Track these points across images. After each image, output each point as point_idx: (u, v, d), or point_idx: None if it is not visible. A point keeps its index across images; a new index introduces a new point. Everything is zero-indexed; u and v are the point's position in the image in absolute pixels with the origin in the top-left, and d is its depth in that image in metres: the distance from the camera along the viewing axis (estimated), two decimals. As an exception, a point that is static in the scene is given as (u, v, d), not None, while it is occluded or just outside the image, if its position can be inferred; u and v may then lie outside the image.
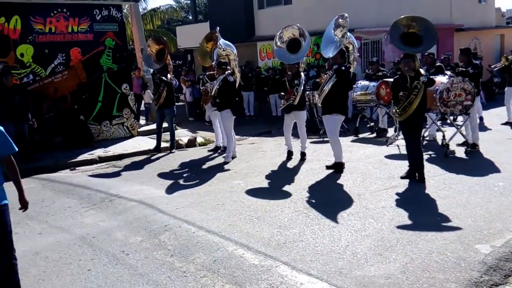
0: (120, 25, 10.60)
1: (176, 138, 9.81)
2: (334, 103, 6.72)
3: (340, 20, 6.67)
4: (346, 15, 6.62)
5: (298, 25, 7.53)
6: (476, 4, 19.96)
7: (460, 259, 3.76)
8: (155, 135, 9.62)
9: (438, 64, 9.60)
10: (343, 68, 6.66)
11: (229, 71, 8.02)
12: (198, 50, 10.13)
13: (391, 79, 9.95)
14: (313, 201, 5.58)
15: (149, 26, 23.50)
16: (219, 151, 9.04)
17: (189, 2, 32.39)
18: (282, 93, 7.51)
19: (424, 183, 5.92)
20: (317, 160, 7.68)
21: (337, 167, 6.86)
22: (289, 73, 7.51)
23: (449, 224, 4.55)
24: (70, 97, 9.92)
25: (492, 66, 11.27)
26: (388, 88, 9.33)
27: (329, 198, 5.67)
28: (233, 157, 8.26)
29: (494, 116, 11.23)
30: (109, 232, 4.80)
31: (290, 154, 7.94)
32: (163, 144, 9.38)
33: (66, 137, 9.78)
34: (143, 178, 7.20)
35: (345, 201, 5.41)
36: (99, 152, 9.16)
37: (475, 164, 6.95)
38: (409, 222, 4.65)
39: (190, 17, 33.09)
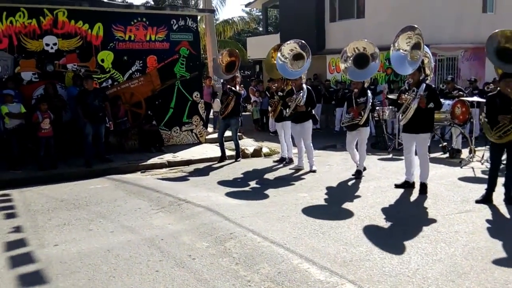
0: (194, 35, 10.98)
1: (242, 148, 9.94)
2: (423, 121, 6.36)
3: (408, 32, 6.40)
4: (416, 26, 6.37)
5: (366, 40, 7.36)
6: None
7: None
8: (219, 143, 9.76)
9: None
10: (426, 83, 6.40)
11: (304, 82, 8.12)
12: (264, 61, 10.24)
13: (468, 98, 9.56)
14: (381, 219, 5.38)
15: (220, 37, 24.15)
16: (285, 162, 9.05)
17: (260, 14, 32.95)
18: (348, 110, 7.37)
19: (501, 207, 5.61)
20: (385, 178, 7.44)
21: (423, 188, 6.48)
22: (355, 90, 7.37)
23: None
24: (144, 103, 10.39)
25: None
26: (464, 107, 8.88)
27: (398, 218, 5.44)
28: (299, 169, 8.24)
29: None
30: (177, 236, 4.91)
31: (360, 172, 7.67)
32: (228, 153, 9.53)
33: (138, 140, 10.23)
34: (209, 185, 7.34)
35: (415, 223, 5.17)
36: (168, 157, 9.48)
37: None
38: (484, 249, 4.35)
39: (260, 29, 33.69)
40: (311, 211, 5.73)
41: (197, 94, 11.11)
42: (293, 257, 4.25)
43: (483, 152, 8.53)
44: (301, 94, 7.91)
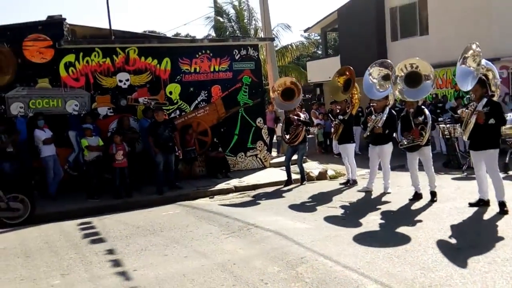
0: (256, 63, 11.29)
1: (307, 171, 9.92)
2: (486, 137, 6.19)
3: (471, 48, 6.33)
4: (477, 43, 6.31)
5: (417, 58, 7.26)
6: None
7: None
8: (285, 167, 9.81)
9: None
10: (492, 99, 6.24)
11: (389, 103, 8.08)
12: (329, 84, 10.26)
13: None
14: (460, 242, 5.12)
15: (280, 63, 24.52)
16: (349, 184, 8.95)
17: (319, 38, 33.16)
18: (406, 132, 7.16)
19: None
20: (461, 198, 7.09)
21: (502, 207, 6.18)
22: (411, 110, 7.18)
23: None
24: (210, 130, 10.76)
25: None
26: (541, 122, 8.35)
27: (478, 240, 5.16)
28: (367, 191, 8.17)
29: None
30: (248, 260, 4.95)
31: (418, 196, 7.35)
32: (293, 176, 9.54)
33: (206, 167, 10.56)
34: (277, 209, 7.38)
35: (498, 245, 4.87)
36: (234, 182, 9.69)
37: None
38: None
39: (319, 52, 33.81)
40: (383, 234, 5.59)
41: (260, 120, 11.34)
42: (368, 282, 4.13)
43: None
44: (379, 116, 7.80)
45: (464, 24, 14.82)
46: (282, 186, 9.36)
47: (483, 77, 6.41)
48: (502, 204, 6.18)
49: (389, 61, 8.22)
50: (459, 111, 6.51)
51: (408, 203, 7.15)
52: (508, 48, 13.97)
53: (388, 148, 7.96)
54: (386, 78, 8.02)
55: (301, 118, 9.46)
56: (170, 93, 10.44)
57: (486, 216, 6.11)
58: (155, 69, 10.27)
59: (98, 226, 6.95)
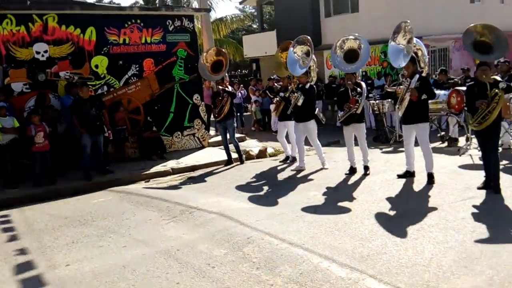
0: (191, 35, 10.73)
1: (247, 149, 9.80)
2: (419, 111, 6.52)
3: (401, 26, 6.61)
4: (408, 21, 6.58)
5: (357, 35, 7.39)
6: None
7: (545, 270, 3.60)
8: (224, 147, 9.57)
9: None
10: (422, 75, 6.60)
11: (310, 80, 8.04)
12: (271, 60, 9.96)
13: (463, 88, 9.56)
14: (392, 212, 5.48)
15: (215, 36, 23.95)
16: (289, 161, 8.98)
17: (254, 11, 32.77)
18: (346, 104, 7.30)
19: (500, 194, 5.73)
20: (390, 171, 7.45)
21: (430, 178, 6.59)
22: (349, 82, 7.35)
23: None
24: (142, 108, 10.15)
25: None
26: (459, 97, 8.92)
27: (408, 209, 5.55)
28: (300, 170, 8.17)
29: None
30: (193, 245, 4.80)
31: (353, 170, 7.60)
32: (233, 155, 9.35)
33: (139, 148, 9.99)
34: (218, 190, 7.23)
35: (424, 213, 5.29)
36: (172, 164, 9.24)
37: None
38: (490, 233, 4.55)
39: (255, 26, 33.45)
40: (324, 209, 5.75)
41: (197, 97, 10.91)
42: (313, 256, 4.26)
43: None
44: (299, 93, 7.80)
45: (391, 4, 15.40)
46: (223, 166, 9.15)
47: (414, 54, 6.69)
48: (430, 176, 6.58)
49: (303, 36, 8.02)
50: (395, 88, 6.74)
51: (345, 178, 7.37)
52: (429, 28, 14.79)
53: (311, 124, 7.98)
54: (307, 54, 7.99)
55: (226, 89, 9.07)
56: (96, 66, 9.59)
57: (414, 186, 6.52)
58: (78, 39, 9.33)
59: (19, 219, 6.30)
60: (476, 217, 4.99)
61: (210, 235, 5.04)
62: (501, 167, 6.27)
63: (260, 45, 21.63)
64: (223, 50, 9.54)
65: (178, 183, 8.10)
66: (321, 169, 8.12)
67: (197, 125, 10.91)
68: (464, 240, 4.39)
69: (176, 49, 10.46)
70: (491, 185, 5.88)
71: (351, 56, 7.29)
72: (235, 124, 9.48)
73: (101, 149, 8.56)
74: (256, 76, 21.65)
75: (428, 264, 3.91)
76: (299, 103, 7.76)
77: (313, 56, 8.09)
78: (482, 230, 4.60)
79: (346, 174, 7.52)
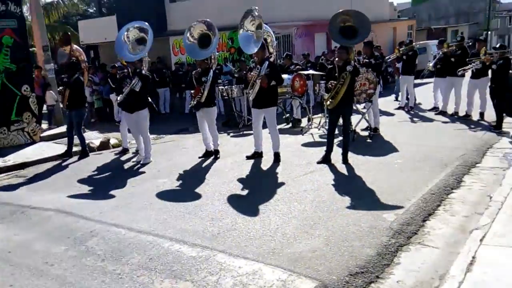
0: (19, 21, 9.56)
1: (87, 141, 9.18)
2: (269, 96, 6.86)
3: (249, 12, 6.80)
4: (256, 7, 6.78)
5: (207, 20, 7.43)
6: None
7: (372, 228, 4.28)
8: (60, 139, 8.88)
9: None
10: (270, 60, 6.93)
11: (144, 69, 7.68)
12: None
13: (305, 72, 10.48)
14: (241, 191, 5.74)
15: (45, 21, 21.75)
16: (131, 153, 8.56)
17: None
18: (193, 91, 7.39)
19: (347, 165, 6.47)
20: (240, 153, 7.76)
21: (277, 157, 7.01)
22: (198, 69, 7.41)
23: (361, 199, 5.07)
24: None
25: (386, 58, 12.26)
26: (302, 80, 9.69)
27: (256, 187, 5.87)
28: (146, 163, 7.81)
29: (390, 102, 12.60)
30: (27, 245, 4.43)
31: (209, 153, 7.70)
32: (74, 148, 8.69)
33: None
34: (56, 186, 6.68)
35: (271, 189, 5.64)
36: (-4, 162, 8.16)
37: (378, 145, 7.66)
38: (328, 201, 5.04)
39: (91, 10, 31.26)
40: (174, 195, 5.74)
41: (26, 88, 9.78)
42: (163, 241, 4.26)
43: (319, 120, 9.51)
44: (134, 80, 7.39)
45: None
46: (59, 161, 8.43)
47: (263, 41, 6.93)
48: (277, 155, 7.04)
49: (140, 25, 7.74)
50: (249, 74, 6.94)
51: (198, 162, 7.41)
52: (273, 15, 15.25)
53: (145, 113, 7.65)
54: (141, 41, 7.73)
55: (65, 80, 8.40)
56: None
57: (262, 166, 6.89)
58: None
59: None
60: (316, 188, 5.51)
61: (47, 233, 4.71)
62: (336, 142, 7.09)
63: (99, 30, 20.36)
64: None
65: (7, 182, 7.23)
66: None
67: (26, 118, 9.73)
68: (305, 209, 4.82)
69: (1, 36, 9.19)
70: (342, 158, 6.59)
71: (205, 41, 7.27)
72: (84, 115, 8.78)
73: None
74: (94, 63, 20.28)
75: (274, 234, 4.24)
76: (137, 89, 7.33)
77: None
78: (320, 199, 5.08)
79: (199, 157, 7.57)
